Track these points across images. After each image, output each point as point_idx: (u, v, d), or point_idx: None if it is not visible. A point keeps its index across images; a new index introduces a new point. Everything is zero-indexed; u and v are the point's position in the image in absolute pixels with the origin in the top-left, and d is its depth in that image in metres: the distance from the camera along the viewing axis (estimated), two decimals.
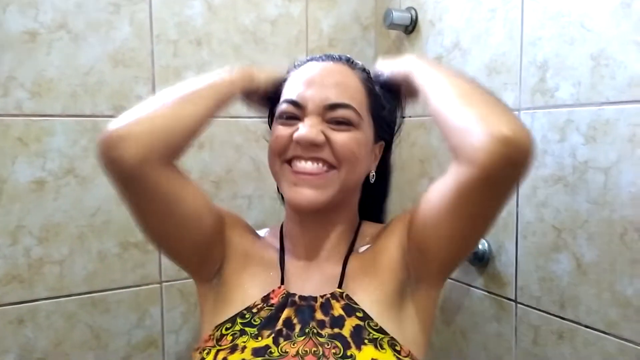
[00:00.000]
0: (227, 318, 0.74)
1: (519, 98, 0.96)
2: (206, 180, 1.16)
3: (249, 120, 1.19)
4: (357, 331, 0.70)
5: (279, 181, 0.78)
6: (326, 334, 0.70)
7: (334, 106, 0.74)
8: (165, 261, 1.12)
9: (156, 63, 1.09)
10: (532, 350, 0.96)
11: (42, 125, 1.01)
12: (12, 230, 0.99)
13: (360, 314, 0.71)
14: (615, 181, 0.82)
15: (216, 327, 0.74)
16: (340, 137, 0.74)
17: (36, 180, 1.01)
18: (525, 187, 0.95)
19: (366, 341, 0.68)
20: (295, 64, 0.83)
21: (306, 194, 0.73)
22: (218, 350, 0.70)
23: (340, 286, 0.75)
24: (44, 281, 1.02)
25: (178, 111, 0.71)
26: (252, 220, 0.88)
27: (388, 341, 0.69)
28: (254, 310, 0.74)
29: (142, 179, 0.67)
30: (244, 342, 0.70)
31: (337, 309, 0.72)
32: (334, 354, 0.67)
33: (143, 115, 0.69)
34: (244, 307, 0.74)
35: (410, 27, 1.21)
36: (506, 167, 0.60)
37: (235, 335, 0.71)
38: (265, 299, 0.75)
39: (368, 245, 0.81)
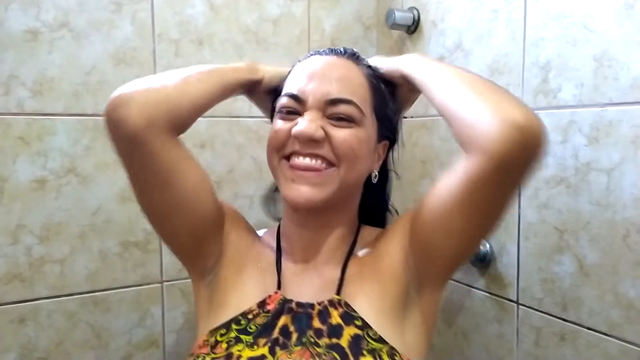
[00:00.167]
0: (221, 323, 0.72)
1: (521, 99, 0.95)
2: None
3: (250, 120, 1.19)
4: (355, 341, 0.67)
5: (276, 177, 0.76)
6: (324, 344, 0.67)
7: (335, 101, 0.72)
8: (167, 261, 1.12)
9: (158, 62, 1.09)
10: (533, 352, 0.96)
11: (43, 124, 1.00)
12: (13, 229, 0.99)
13: (359, 323, 0.69)
14: (618, 183, 0.81)
15: (210, 332, 0.71)
16: (341, 134, 0.72)
17: (37, 179, 1.01)
18: (527, 188, 0.95)
19: (365, 352, 0.66)
20: (300, 58, 0.81)
21: (303, 191, 0.71)
22: (213, 359, 0.68)
23: (338, 292, 0.73)
24: (45, 280, 1.02)
25: (184, 86, 0.72)
26: (253, 220, 0.88)
27: (387, 351, 0.67)
28: (250, 316, 0.72)
29: (143, 144, 0.67)
30: (239, 350, 0.68)
31: (335, 317, 0.70)
32: None
33: (151, 83, 0.70)
34: (239, 312, 0.72)
35: (413, 27, 1.21)
36: (520, 154, 0.59)
37: (231, 343, 0.69)
38: (261, 304, 0.73)
39: (368, 250, 0.79)
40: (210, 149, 1.16)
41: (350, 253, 0.79)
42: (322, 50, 0.80)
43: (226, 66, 0.78)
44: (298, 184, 0.71)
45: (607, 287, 0.83)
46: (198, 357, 0.70)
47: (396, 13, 1.18)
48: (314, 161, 0.71)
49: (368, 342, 0.67)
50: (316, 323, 0.70)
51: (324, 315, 0.71)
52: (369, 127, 0.75)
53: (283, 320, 0.71)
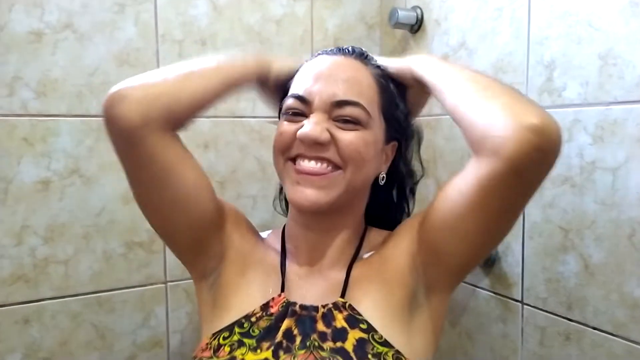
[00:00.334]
0: (224, 326, 0.71)
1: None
2: (211, 180, 1.14)
3: (253, 120, 1.19)
4: (360, 345, 0.66)
5: (282, 179, 0.75)
6: (328, 347, 0.66)
7: (341, 103, 0.70)
8: (171, 261, 1.12)
9: (161, 63, 1.09)
10: (538, 351, 0.95)
11: (47, 126, 1.01)
12: (18, 231, 0.99)
13: (364, 326, 0.68)
14: (623, 182, 0.81)
15: (213, 335, 0.71)
16: (347, 137, 0.70)
17: (41, 180, 1.01)
18: None
19: (370, 356, 0.65)
20: (307, 58, 0.80)
21: (309, 194, 0.70)
22: None
23: (343, 295, 0.72)
24: (49, 281, 1.02)
25: (184, 82, 0.71)
26: (256, 220, 0.87)
27: (393, 355, 0.66)
28: (253, 319, 0.71)
29: (139, 141, 0.66)
30: (243, 354, 0.67)
31: (340, 321, 0.69)
32: None
33: (149, 79, 0.69)
34: (242, 315, 0.71)
35: (416, 27, 1.21)
36: (536, 158, 0.57)
37: (234, 347, 0.68)
38: (265, 307, 0.72)
39: (374, 252, 0.78)
40: (213, 149, 1.16)
41: (355, 256, 0.77)
42: (329, 49, 0.79)
43: (234, 60, 0.77)
44: (303, 187, 0.70)
45: (612, 286, 0.83)
46: None
47: (399, 12, 1.18)
48: (319, 165, 0.70)
49: (373, 345, 0.66)
50: (320, 326, 0.69)
51: (328, 318, 0.69)
52: (376, 129, 0.74)
53: (287, 323, 0.69)
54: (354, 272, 0.75)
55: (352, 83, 0.72)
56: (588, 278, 0.86)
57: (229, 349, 0.68)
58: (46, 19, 0.99)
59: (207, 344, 0.71)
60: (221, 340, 0.70)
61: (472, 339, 1.09)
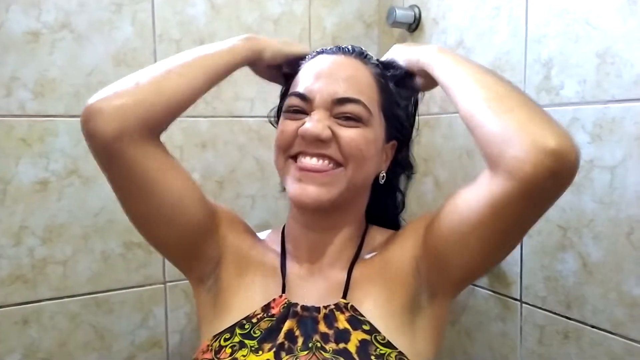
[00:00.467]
0: (225, 328, 0.70)
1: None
2: (210, 180, 1.15)
3: (252, 119, 1.19)
4: (363, 346, 0.66)
5: (283, 177, 0.74)
6: (330, 349, 0.65)
7: (342, 100, 0.70)
8: (169, 261, 1.12)
9: None
10: (537, 350, 0.95)
11: (45, 126, 1.00)
12: (16, 231, 0.99)
13: (366, 327, 0.67)
14: (621, 180, 0.81)
15: (214, 336, 0.70)
16: (348, 134, 0.70)
17: (39, 180, 1.01)
18: None
19: (373, 357, 0.65)
20: (307, 56, 0.79)
21: (310, 191, 0.69)
22: None
23: (345, 295, 0.71)
24: (47, 282, 1.02)
25: (161, 84, 0.68)
26: (255, 220, 0.87)
27: (396, 356, 0.65)
28: (254, 320, 0.70)
29: (117, 155, 0.65)
30: (244, 355, 0.66)
31: (342, 322, 0.68)
32: None
33: (123, 88, 0.67)
34: (243, 317, 0.71)
35: (414, 25, 1.21)
36: (549, 182, 0.55)
37: (235, 348, 0.67)
38: (266, 308, 0.71)
39: (375, 252, 0.77)
40: (211, 149, 1.16)
41: (357, 255, 0.77)
42: (329, 48, 0.78)
43: (219, 48, 0.74)
44: (305, 184, 0.70)
45: (610, 285, 0.83)
46: None
47: (397, 11, 1.18)
48: (320, 162, 0.70)
49: (376, 347, 0.66)
50: (322, 327, 0.68)
51: (330, 319, 0.69)
52: (377, 127, 0.73)
53: (288, 324, 0.69)
54: (355, 273, 0.74)
55: (353, 81, 0.72)
56: (587, 276, 0.86)
57: (230, 350, 0.67)
58: (43, 18, 0.99)
59: (207, 345, 0.70)
60: (222, 342, 0.69)
61: (471, 338, 1.09)
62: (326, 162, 0.70)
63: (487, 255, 0.66)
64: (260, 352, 0.66)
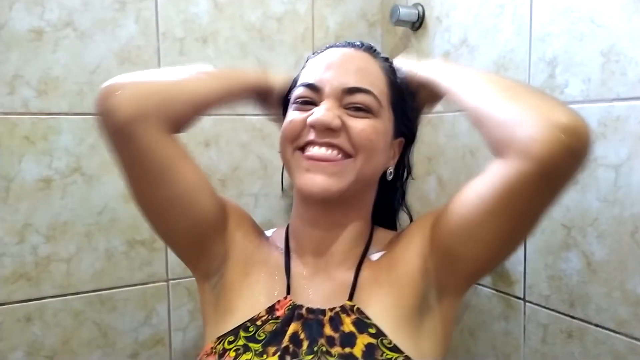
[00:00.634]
0: (229, 330, 0.69)
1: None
2: (212, 178, 1.15)
3: (255, 117, 1.18)
4: (369, 351, 0.64)
5: (290, 169, 0.73)
6: (336, 353, 0.64)
7: (352, 90, 0.69)
8: (172, 259, 1.12)
9: (162, 61, 1.09)
10: (540, 349, 0.95)
11: (48, 124, 1.01)
12: (20, 229, 0.99)
13: (372, 330, 0.66)
14: (626, 178, 0.81)
15: (218, 338, 0.69)
16: (359, 124, 0.69)
17: (43, 178, 1.01)
18: None
19: None
20: (314, 52, 0.79)
21: (319, 181, 0.68)
22: None
23: (351, 297, 0.70)
24: (51, 279, 1.02)
25: (181, 82, 0.71)
26: (258, 218, 0.87)
27: None
28: (258, 322, 0.69)
29: (133, 137, 0.65)
30: (248, 359, 0.65)
31: (348, 325, 0.66)
32: None
33: (146, 76, 0.70)
34: (247, 319, 0.69)
35: (417, 24, 1.20)
36: (566, 159, 0.54)
37: (239, 352, 0.66)
38: (270, 310, 0.70)
39: (382, 253, 0.75)
40: (214, 147, 1.16)
41: (364, 255, 0.75)
42: (338, 42, 0.78)
43: (232, 69, 0.78)
44: (313, 174, 0.68)
45: (615, 283, 0.83)
46: None
47: (401, 9, 1.18)
48: (329, 151, 0.69)
49: (383, 351, 0.64)
50: (328, 330, 0.67)
51: (335, 322, 0.67)
52: (386, 121, 0.72)
53: (293, 327, 0.67)
54: (362, 274, 0.73)
55: (363, 73, 0.71)
56: (590, 275, 0.86)
57: (234, 354, 0.66)
58: (47, 17, 0.99)
59: (211, 348, 0.69)
60: (226, 345, 0.68)
61: (475, 337, 1.09)
62: (335, 152, 0.69)
63: (497, 247, 0.65)
64: (265, 356, 0.65)
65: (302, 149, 0.71)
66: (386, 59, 0.77)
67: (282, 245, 0.79)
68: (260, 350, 0.66)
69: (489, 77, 0.66)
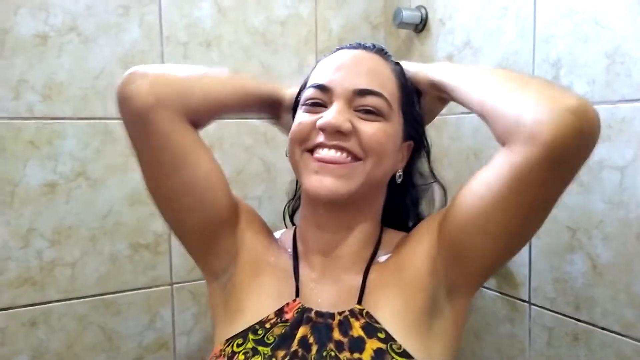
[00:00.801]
0: (238, 332, 0.69)
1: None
2: None
3: (258, 121, 1.18)
4: (378, 356, 0.63)
5: (298, 171, 0.72)
6: (345, 358, 0.63)
7: (363, 92, 0.68)
8: (176, 263, 1.13)
9: None
10: (546, 352, 0.95)
11: (53, 128, 1.01)
12: (24, 233, 1.00)
13: (382, 335, 0.65)
14: (631, 180, 0.80)
15: (227, 341, 0.69)
16: (369, 128, 0.68)
17: (48, 183, 1.01)
18: None
19: None
20: (324, 55, 0.79)
21: (327, 183, 0.67)
22: None
23: (360, 301, 0.69)
24: (55, 283, 1.03)
25: (200, 77, 0.73)
26: None
27: None
28: (267, 325, 0.68)
29: (152, 121, 0.66)
30: None
31: (357, 329, 0.65)
32: None
33: (167, 67, 0.72)
34: (256, 321, 0.69)
35: (420, 26, 1.20)
36: (576, 142, 0.53)
37: (248, 355, 0.65)
38: (279, 313, 0.69)
39: (389, 255, 0.74)
40: (218, 150, 1.16)
41: (372, 258, 0.74)
42: (349, 44, 0.77)
43: (248, 75, 0.79)
44: (322, 175, 0.67)
45: (620, 286, 0.82)
46: None
47: (404, 12, 1.18)
48: (339, 154, 0.68)
49: (392, 356, 0.63)
50: (336, 335, 0.66)
51: (344, 326, 0.66)
52: (396, 124, 0.72)
53: (302, 331, 0.67)
54: (370, 276, 0.72)
55: (374, 75, 0.71)
56: (596, 278, 0.86)
57: (243, 357, 0.65)
58: (51, 22, 0.99)
59: (220, 350, 0.69)
60: (235, 348, 0.67)
61: (480, 340, 1.09)
62: (344, 154, 0.68)
63: (507, 240, 0.64)
64: None
65: (311, 150, 0.70)
66: (396, 63, 0.76)
67: (290, 247, 0.79)
68: (270, 354, 0.65)
69: (495, 71, 0.66)
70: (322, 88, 0.70)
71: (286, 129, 0.82)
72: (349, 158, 0.68)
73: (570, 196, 0.89)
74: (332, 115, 0.67)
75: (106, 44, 1.04)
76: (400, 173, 0.76)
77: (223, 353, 0.68)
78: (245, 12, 1.17)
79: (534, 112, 0.55)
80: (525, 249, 0.97)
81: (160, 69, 0.70)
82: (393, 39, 1.31)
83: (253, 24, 1.18)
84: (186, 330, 1.16)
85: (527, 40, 0.95)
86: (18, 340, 1.00)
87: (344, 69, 0.71)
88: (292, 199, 0.89)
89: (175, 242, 0.82)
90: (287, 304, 0.70)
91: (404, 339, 0.65)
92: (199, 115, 0.72)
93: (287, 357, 0.64)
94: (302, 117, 0.71)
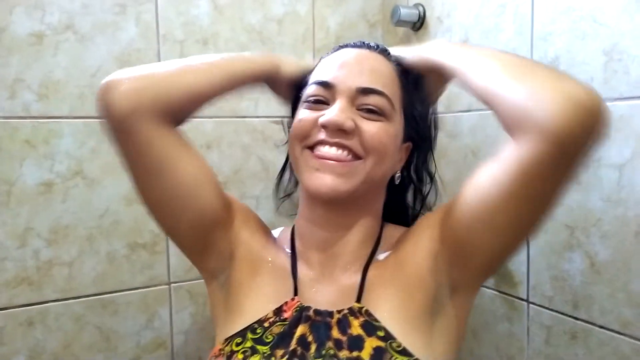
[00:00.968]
0: (237, 331, 0.69)
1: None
2: None
3: (256, 120, 1.18)
4: (377, 354, 0.63)
5: (298, 168, 0.71)
6: (344, 356, 0.63)
7: (366, 90, 0.68)
8: (174, 262, 1.12)
9: None
10: (544, 350, 0.94)
11: (49, 127, 1.01)
12: (21, 233, 0.99)
13: (381, 333, 0.64)
14: (629, 178, 0.80)
15: (226, 340, 0.69)
16: (371, 127, 0.68)
17: (44, 182, 1.01)
18: None
19: None
20: (327, 52, 0.78)
21: (327, 181, 0.67)
22: None
23: (359, 299, 0.69)
24: (53, 283, 1.02)
25: (180, 74, 0.70)
26: None
27: None
28: (266, 324, 0.68)
29: (132, 129, 0.65)
30: None
31: (356, 327, 0.65)
32: None
33: (144, 70, 0.68)
34: (254, 320, 0.69)
35: (418, 24, 1.20)
36: (584, 133, 0.53)
37: (247, 354, 0.65)
38: (278, 311, 0.69)
39: (389, 252, 0.74)
40: (216, 150, 1.15)
41: (372, 256, 0.74)
42: (352, 42, 0.77)
43: (240, 55, 0.76)
44: (322, 173, 0.67)
45: (618, 284, 0.82)
46: None
47: (401, 10, 1.17)
48: (340, 151, 0.68)
49: (391, 354, 0.63)
50: (335, 333, 0.66)
51: (343, 324, 0.66)
52: (397, 124, 0.71)
53: (301, 329, 0.66)
54: (369, 274, 0.71)
55: (378, 74, 0.70)
56: (594, 276, 0.86)
57: (242, 356, 0.66)
58: (47, 20, 0.99)
59: (219, 349, 0.69)
60: (234, 347, 0.67)
61: (478, 338, 1.09)
62: (345, 152, 0.68)
63: (513, 234, 0.63)
64: (273, 359, 0.64)
65: (312, 148, 0.70)
66: (399, 63, 0.76)
67: (288, 246, 0.78)
68: (268, 352, 0.65)
69: (495, 54, 0.64)
70: (325, 85, 0.70)
71: (281, 97, 0.82)
72: (350, 156, 0.68)
73: (568, 194, 0.89)
74: (335, 112, 0.67)
75: (102, 42, 1.03)
76: (399, 174, 0.76)
77: (222, 352, 0.68)
78: (242, 10, 1.17)
79: (541, 105, 0.54)
80: (524, 247, 0.97)
81: (135, 72, 0.68)
82: (391, 37, 1.31)
83: (250, 22, 1.18)
84: (184, 330, 1.15)
85: (525, 38, 0.95)
86: (15, 340, 1.00)
87: (348, 67, 0.70)
88: (287, 194, 0.88)
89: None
90: (286, 302, 0.70)
91: (404, 337, 0.64)
92: (181, 112, 0.70)
93: (286, 356, 0.64)
94: (304, 114, 0.71)
